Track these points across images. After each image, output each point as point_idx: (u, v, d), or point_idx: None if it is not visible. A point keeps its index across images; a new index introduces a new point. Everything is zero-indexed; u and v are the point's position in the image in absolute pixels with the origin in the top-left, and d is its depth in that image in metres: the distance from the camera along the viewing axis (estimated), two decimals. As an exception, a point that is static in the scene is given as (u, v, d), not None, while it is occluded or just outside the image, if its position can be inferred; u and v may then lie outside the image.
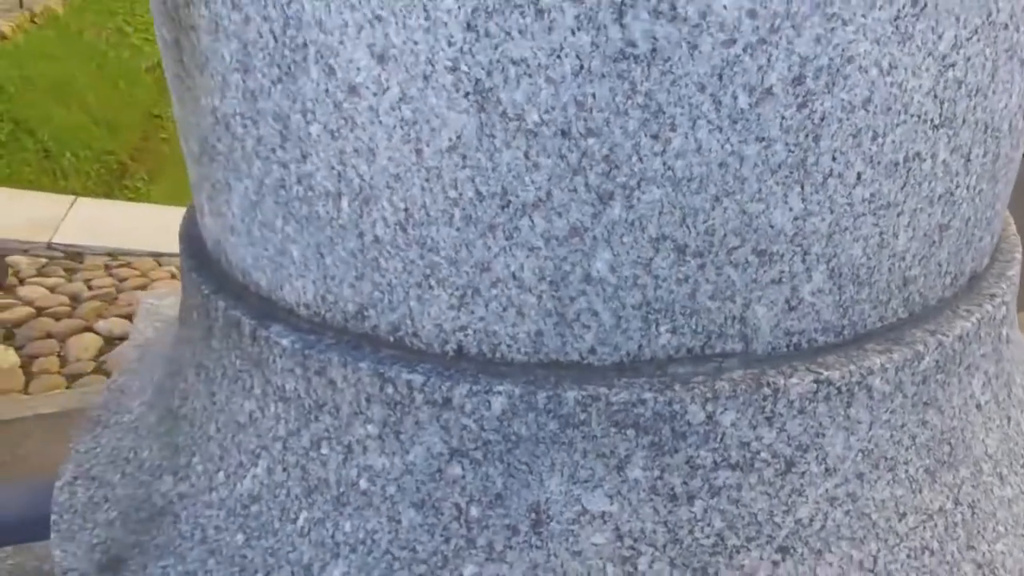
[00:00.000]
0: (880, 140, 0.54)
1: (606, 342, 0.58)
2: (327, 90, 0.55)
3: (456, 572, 0.61)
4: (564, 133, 0.51)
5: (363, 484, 0.63)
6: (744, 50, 0.49)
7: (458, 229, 0.56)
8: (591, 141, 0.51)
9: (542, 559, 0.60)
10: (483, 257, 0.56)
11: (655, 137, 0.51)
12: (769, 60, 0.50)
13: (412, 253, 0.58)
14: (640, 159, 0.52)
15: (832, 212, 0.55)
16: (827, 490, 0.61)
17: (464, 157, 0.53)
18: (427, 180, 0.55)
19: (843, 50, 0.51)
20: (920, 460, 0.64)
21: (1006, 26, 0.56)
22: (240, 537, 0.68)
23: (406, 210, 0.57)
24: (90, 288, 3.31)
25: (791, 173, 0.53)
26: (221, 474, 0.71)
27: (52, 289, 3.25)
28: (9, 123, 5.58)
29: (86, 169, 5.78)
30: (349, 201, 0.58)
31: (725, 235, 0.54)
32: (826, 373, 0.58)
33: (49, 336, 2.98)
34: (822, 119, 0.52)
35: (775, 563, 0.60)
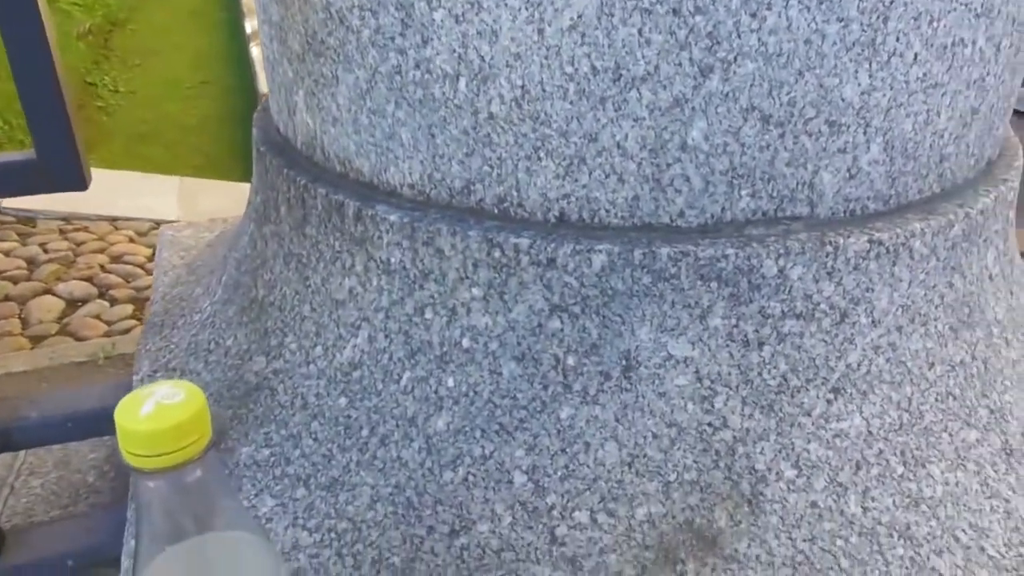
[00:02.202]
0: (935, 24, 0.63)
1: (694, 205, 0.66)
2: (455, -24, 0.62)
3: (553, 415, 0.69)
4: (675, 11, 0.59)
5: (466, 343, 0.71)
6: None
7: (571, 103, 0.63)
8: (698, 18, 0.59)
9: (631, 400, 0.68)
10: (592, 128, 0.64)
11: (753, 15, 0.59)
12: (849, -51, 0.58)
13: (525, 127, 0.65)
14: (739, 35, 0.60)
15: (892, 88, 0.64)
16: (872, 339, 0.71)
17: (583, 35, 0.61)
18: (546, 58, 0.62)
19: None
20: (946, 318, 0.74)
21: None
22: (343, 400, 0.74)
23: (523, 87, 0.64)
24: (46, 252, 3.25)
25: (863, 51, 0.62)
26: (319, 348, 0.77)
27: (7, 253, 3.18)
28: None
29: (20, 138, 5.59)
30: (467, 81, 0.65)
31: (804, 106, 0.63)
32: (877, 235, 0.68)
33: (8, 299, 2.93)
34: (891, 2, 0.61)
35: (829, 401, 0.70)
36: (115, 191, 3.74)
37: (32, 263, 3.15)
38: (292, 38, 0.75)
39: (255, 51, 4.56)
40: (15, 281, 3.01)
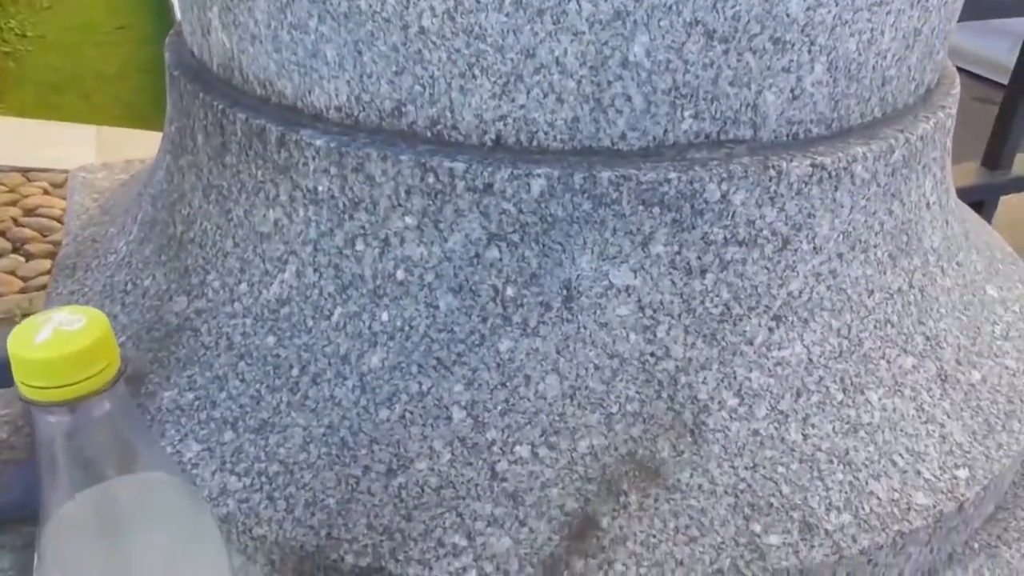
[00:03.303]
0: (878, -61, 0.61)
1: (636, 127, 0.64)
2: None
3: (492, 348, 0.66)
4: (615, -84, 0.56)
5: (400, 275, 0.67)
6: None
7: (507, 15, 0.60)
8: (639, -76, 0.56)
9: (572, 331, 0.66)
10: (529, 43, 0.60)
11: (696, -78, 0.56)
12: None
13: (458, 42, 0.61)
14: (682, -57, 0.57)
15: (837, 5, 0.62)
16: (814, 266, 0.70)
17: (518, -59, 0.57)
18: (478, -34, 0.58)
19: None
20: (886, 245, 0.73)
21: None
22: (271, 339, 0.71)
23: (455, -2, 0.60)
24: (-46, 205, 3.08)
25: (807, -36, 0.60)
26: (243, 285, 0.73)
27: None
28: None
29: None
30: (395, -8, 0.61)
31: (748, 21, 0.61)
32: (820, 159, 0.66)
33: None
34: (836, -87, 0.59)
35: (770, 329, 0.69)
36: (26, 140, 3.56)
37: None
38: (204, -50, 0.69)
39: (174, -7, 4.36)
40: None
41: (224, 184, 0.74)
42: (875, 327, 0.73)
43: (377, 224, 0.67)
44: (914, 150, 0.73)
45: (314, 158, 0.67)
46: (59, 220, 2.95)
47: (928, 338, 0.76)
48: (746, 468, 0.66)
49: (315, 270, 0.69)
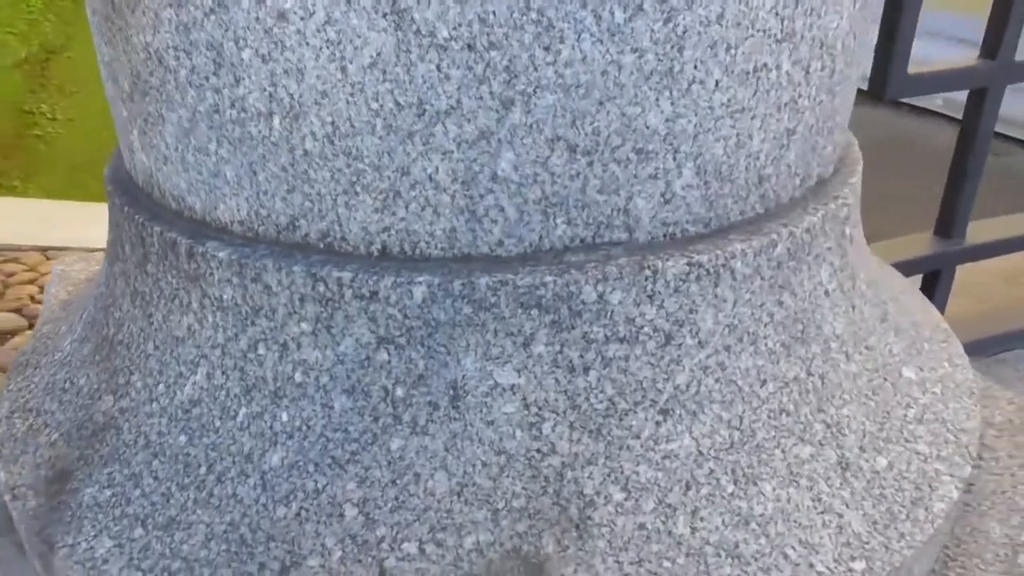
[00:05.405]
0: (733, 51, 0.65)
1: (511, 234, 0.67)
2: (257, 18, 0.62)
3: (384, 447, 0.69)
4: (470, 47, 0.60)
5: (298, 377, 0.71)
6: (617, -25, 0.59)
7: (380, 137, 0.64)
8: (493, 53, 0.60)
9: (460, 429, 0.69)
10: (403, 162, 0.65)
11: (547, 49, 0.61)
12: (638, -17, 0.60)
13: (339, 163, 0.66)
14: (535, 68, 0.61)
15: (696, 115, 0.66)
16: (700, 360, 0.72)
17: (384, 72, 0.61)
18: (352, 95, 0.63)
19: (697, -23, 0.61)
20: (777, 335, 0.76)
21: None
22: (183, 438, 0.74)
23: (333, 123, 0.64)
24: (-25, 284, 3.20)
25: (661, 80, 0.63)
26: (161, 386, 0.77)
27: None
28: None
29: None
30: (280, 119, 0.66)
31: (609, 135, 0.64)
32: (696, 257, 0.69)
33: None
34: (684, 32, 0.62)
35: (657, 423, 0.71)
36: (50, 221, 3.69)
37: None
38: (122, 78, 0.75)
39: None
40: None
41: (147, 291, 0.79)
42: (769, 417, 0.75)
43: (276, 330, 0.70)
44: (801, 242, 0.75)
45: (218, 268, 0.71)
46: (73, 298, 3.02)
47: (828, 425, 0.77)
48: (631, 563, 0.67)
49: (223, 372, 0.73)
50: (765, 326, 0.75)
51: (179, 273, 0.74)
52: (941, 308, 1.43)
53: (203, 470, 0.72)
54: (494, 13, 0.59)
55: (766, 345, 0.75)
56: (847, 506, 0.73)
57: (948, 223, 1.40)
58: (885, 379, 0.84)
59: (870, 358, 0.84)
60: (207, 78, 0.67)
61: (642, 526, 0.69)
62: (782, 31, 0.67)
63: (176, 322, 0.76)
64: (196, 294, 0.74)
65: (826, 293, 0.80)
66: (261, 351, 0.71)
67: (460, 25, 0.60)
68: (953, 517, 0.84)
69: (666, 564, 0.67)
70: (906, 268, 1.38)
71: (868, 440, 0.79)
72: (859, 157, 0.89)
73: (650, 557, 0.67)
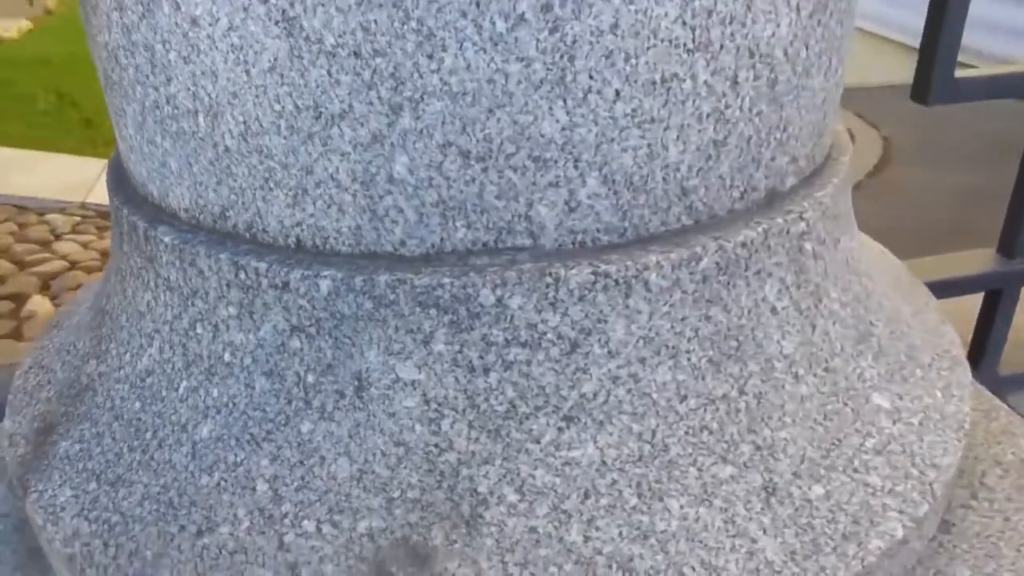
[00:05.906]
0: (633, 61, 0.63)
1: (413, 235, 0.69)
2: (177, 22, 0.67)
3: (295, 428, 0.73)
4: (356, 54, 0.62)
5: (227, 357, 0.76)
6: (497, -17, 0.59)
7: (285, 137, 0.67)
8: (379, 60, 0.62)
9: (363, 419, 0.72)
10: (307, 162, 0.67)
11: (430, 56, 0.61)
12: (519, -9, 0.60)
13: (254, 160, 0.69)
14: (420, 75, 0.62)
15: (597, 124, 0.65)
16: (610, 370, 0.71)
17: (282, 76, 0.64)
18: (257, 96, 0.66)
19: (589, -17, 0.60)
20: (704, 351, 0.73)
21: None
22: (138, 404, 0.81)
23: (245, 123, 0.68)
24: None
25: (552, 89, 0.63)
26: (128, 355, 0.84)
27: (85, 245, 3.49)
28: (53, 94, 5.87)
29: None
30: (204, 117, 0.70)
31: (502, 143, 0.64)
32: (603, 266, 0.68)
33: (80, 287, 3.20)
34: (574, 41, 0.61)
35: (560, 429, 0.71)
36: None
37: (106, 255, 3.41)
38: (99, 72, 0.81)
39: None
40: (89, 271, 3.28)
41: (124, 268, 0.86)
42: (687, 433, 0.73)
43: (209, 311, 0.76)
44: (735, 257, 0.73)
45: (165, 251, 0.77)
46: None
47: (759, 447, 0.75)
48: (516, 564, 0.68)
49: (170, 347, 0.79)
50: (688, 340, 0.73)
51: (141, 253, 0.81)
52: (1004, 328, 1.31)
53: (149, 435, 0.79)
54: (375, 22, 0.61)
55: (689, 360, 0.73)
56: (764, 532, 0.71)
57: (1011, 242, 1.28)
58: (845, 404, 0.80)
59: (828, 381, 0.80)
60: (147, 76, 0.72)
61: (533, 529, 0.69)
62: (694, 41, 0.64)
63: (140, 298, 0.83)
64: (151, 274, 0.80)
65: (773, 311, 0.77)
66: (199, 330, 0.77)
67: (345, 33, 0.61)
68: (912, 557, 0.79)
69: (552, 570, 0.68)
70: (967, 285, 1.28)
71: (806, 466, 0.75)
72: (841, 169, 0.84)
73: (537, 560, 0.68)
